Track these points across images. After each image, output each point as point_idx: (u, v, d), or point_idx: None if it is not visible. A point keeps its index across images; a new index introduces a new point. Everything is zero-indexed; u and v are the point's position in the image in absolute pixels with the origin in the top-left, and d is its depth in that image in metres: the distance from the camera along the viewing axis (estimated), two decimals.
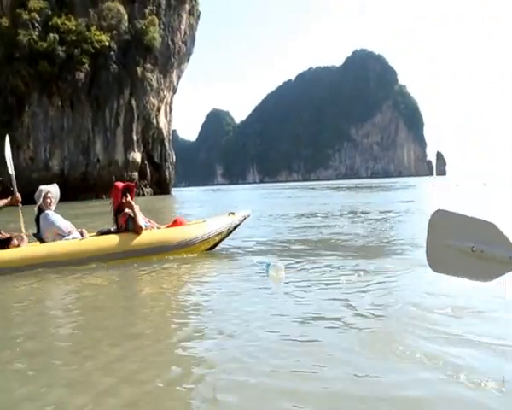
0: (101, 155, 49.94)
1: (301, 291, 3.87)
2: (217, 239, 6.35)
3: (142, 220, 5.79)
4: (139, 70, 51.72)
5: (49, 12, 47.60)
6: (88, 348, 2.73)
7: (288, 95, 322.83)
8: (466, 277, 2.05)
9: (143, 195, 49.51)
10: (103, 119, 50.17)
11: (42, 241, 5.63)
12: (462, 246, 1.98)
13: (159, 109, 56.19)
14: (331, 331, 2.81)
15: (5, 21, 45.73)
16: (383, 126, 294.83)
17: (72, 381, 2.29)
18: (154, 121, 55.55)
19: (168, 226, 6.23)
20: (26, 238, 5.53)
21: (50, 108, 47.28)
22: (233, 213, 6.62)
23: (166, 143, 58.56)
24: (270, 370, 2.27)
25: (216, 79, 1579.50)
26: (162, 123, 57.63)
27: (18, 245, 5.39)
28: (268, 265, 4.65)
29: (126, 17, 51.47)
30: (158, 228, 6.09)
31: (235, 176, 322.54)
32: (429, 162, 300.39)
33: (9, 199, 5.52)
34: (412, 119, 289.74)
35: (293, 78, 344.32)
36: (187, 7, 59.47)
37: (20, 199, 5.56)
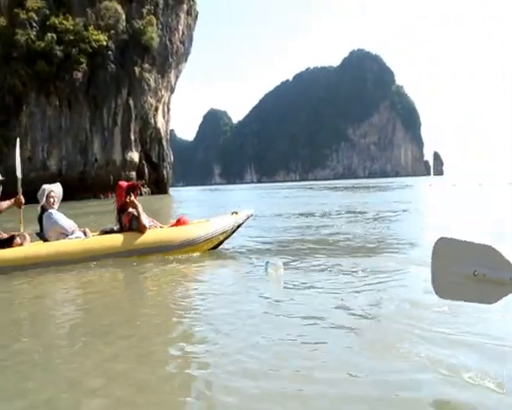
0: (99, 154, 49.91)
1: (300, 290, 3.89)
2: (221, 238, 6.34)
3: (145, 219, 5.80)
4: (137, 70, 51.71)
5: (47, 11, 47.57)
6: (87, 346, 2.75)
7: (285, 95, 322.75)
8: (471, 301, 2.14)
9: (141, 194, 49.34)
10: (101, 118, 50.14)
11: (45, 240, 5.62)
12: (464, 271, 2.06)
13: (156, 109, 56.18)
14: (330, 331, 2.81)
15: (3, 21, 45.66)
16: (380, 126, 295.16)
17: (68, 378, 2.31)
18: (152, 121, 55.54)
19: (172, 226, 6.23)
20: (28, 237, 5.51)
21: (48, 107, 47.23)
22: (236, 213, 6.63)
23: (164, 143, 58.54)
24: (267, 369, 2.27)
25: (214, 79, 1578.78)
26: (160, 123, 57.60)
27: (21, 244, 5.37)
28: (267, 263, 4.69)
29: (124, 17, 51.46)
30: (161, 227, 6.10)
31: (232, 176, 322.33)
32: (426, 162, 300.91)
33: (12, 201, 5.50)
34: (409, 119, 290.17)
35: (290, 78, 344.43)
36: (185, 7, 59.47)
37: (23, 201, 5.55)
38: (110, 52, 49.89)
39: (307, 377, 2.18)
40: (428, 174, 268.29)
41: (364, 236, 7.65)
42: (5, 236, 5.45)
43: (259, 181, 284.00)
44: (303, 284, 4.11)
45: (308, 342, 2.64)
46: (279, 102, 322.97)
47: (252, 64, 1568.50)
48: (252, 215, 7.07)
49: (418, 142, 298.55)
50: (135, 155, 52.97)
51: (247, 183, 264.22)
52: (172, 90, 60.70)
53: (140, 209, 5.80)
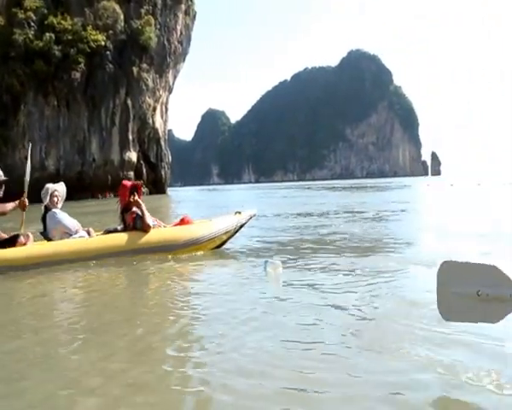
0: (97, 154, 49.87)
1: (298, 289, 3.91)
2: (224, 238, 6.37)
3: (149, 219, 5.82)
4: (135, 70, 51.69)
5: (45, 11, 47.49)
6: (85, 344, 2.77)
7: (283, 95, 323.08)
8: (476, 321, 2.15)
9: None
10: (99, 118, 50.10)
11: (48, 239, 5.60)
12: (468, 292, 2.09)
13: (154, 109, 56.15)
14: (328, 330, 2.82)
15: (1, 20, 45.52)
16: (378, 127, 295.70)
17: (65, 376, 2.34)
18: (150, 121, 55.51)
19: (175, 225, 6.26)
20: (31, 236, 5.50)
21: (46, 107, 47.16)
22: (239, 212, 6.67)
23: (162, 143, 58.52)
24: (264, 368, 2.28)
25: (212, 79, 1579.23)
26: (158, 123, 57.59)
27: (24, 243, 5.36)
28: (266, 262, 4.73)
29: (122, 17, 51.42)
30: (164, 227, 6.10)
31: (230, 176, 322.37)
32: (424, 162, 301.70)
33: (17, 203, 5.46)
34: (407, 119, 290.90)
35: (288, 78, 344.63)
36: (183, 7, 59.46)
37: (27, 204, 5.50)
38: (108, 52, 49.85)
39: (304, 376, 2.18)
40: (426, 174, 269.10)
41: (362, 235, 7.69)
42: (4, 236, 5.43)
43: (257, 181, 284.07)
44: (301, 283, 4.13)
45: (306, 341, 2.64)
46: (277, 102, 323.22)
47: (251, 64, 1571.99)
48: (255, 215, 7.11)
49: (416, 142, 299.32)
50: (133, 155, 52.94)
51: (244, 183, 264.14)
52: (170, 91, 60.68)
53: (144, 208, 5.81)
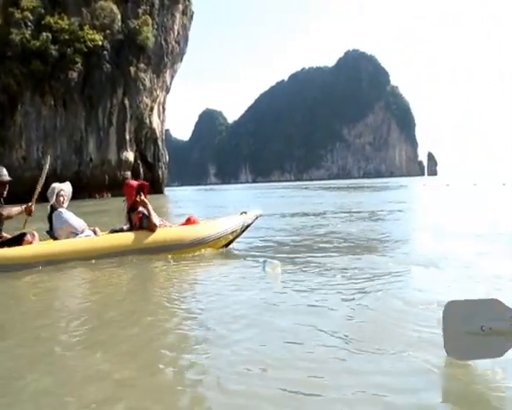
0: (94, 154, 49.80)
1: (296, 289, 3.94)
2: (230, 238, 6.39)
3: (156, 218, 5.84)
4: (132, 70, 51.64)
5: (42, 11, 47.38)
6: (87, 342, 2.82)
7: (280, 95, 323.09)
8: (482, 357, 2.19)
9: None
10: (96, 118, 50.03)
11: (54, 238, 5.63)
12: (473, 329, 2.13)
13: (152, 109, 56.11)
14: (325, 331, 2.81)
15: None
16: (375, 127, 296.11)
17: (65, 372, 2.39)
18: (147, 121, 55.47)
19: (181, 225, 6.27)
20: (37, 235, 5.52)
21: (43, 107, 47.06)
22: (245, 213, 6.70)
23: (159, 143, 58.48)
24: (261, 369, 2.29)
25: (210, 79, 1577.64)
26: (155, 123, 57.55)
27: (30, 242, 5.37)
28: (264, 262, 4.78)
29: (119, 17, 51.37)
30: (170, 226, 6.15)
31: (227, 176, 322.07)
32: (420, 163, 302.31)
33: (23, 208, 5.47)
34: (404, 119, 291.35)
35: (285, 78, 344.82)
36: (180, 7, 59.43)
37: (33, 210, 5.51)
38: (105, 52, 49.78)
39: (300, 377, 2.19)
40: (422, 174, 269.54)
41: (359, 235, 7.75)
42: (7, 236, 5.44)
43: (254, 181, 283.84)
44: (299, 283, 4.16)
45: (302, 342, 2.66)
46: (274, 102, 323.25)
47: (250, 64, 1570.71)
48: (260, 215, 7.15)
49: (412, 142, 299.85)
50: (130, 155, 52.90)
51: (242, 183, 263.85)
52: (168, 90, 60.66)
53: (150, 208, 5.83)
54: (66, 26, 47.55)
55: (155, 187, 55.13)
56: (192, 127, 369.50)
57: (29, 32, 45.85)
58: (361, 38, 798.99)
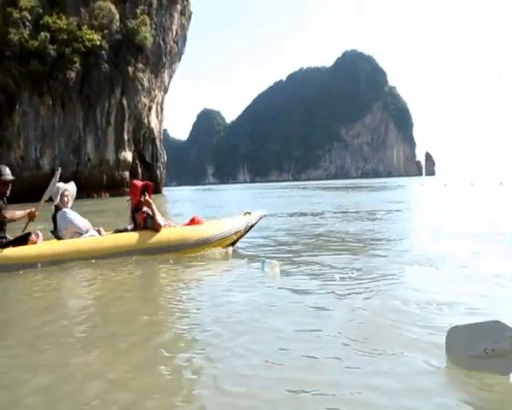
0: (92, 154, 49.77)
1: (294, 289, 3.96)
2: (234, 238, 6.41)
3: (160, 218, 5.85)
4: (130, 70, 51.62)
5: (40, 11, 47.33)
6: (86, 340, 2.87)
7: (278, 95, 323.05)
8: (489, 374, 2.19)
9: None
10: (94, 118, 50.00)
11: (59, 238, 5.63)
12: (476, 353, 2.14)
13: (150, 109, 56.10)
14: (323, 332, 2.82)
15: None
16: (373, 127, 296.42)
17: (64, 367, 2.43)
18: (146, 121, 55.45)
19: (185, 225, 6.28)
20: (41, 235, 5.53)
21: (41, 107, 47.01)
22: (249, 213, 6.74)
23: (158, 143, 58.48)
24: (259, 370, 2.29)
25: (208, 79, 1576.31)
26: (153, 122, 57.54)
27: (35, 242, 5.38)
28: (263, 262, 4.81)
29: (118, 17, 51.35)
30: (174, 226, 6.16)
31: (225, 176, 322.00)
32: (418, 163, 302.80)
33: (26, 213, 5.48)
34: (402, 119, 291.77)
35: (284, 78, 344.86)
36: (178, 7, 59.44)
37: (36, 216, 5.52)
38: (104, 52, 49.76)
39: (297, 378, 2.19)
40: (420, 174, 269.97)
41: (357, 235, 7.80)
42: (9, 237, 5.44)
43: (252, 181, 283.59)
44: (298, 282, 4.18)
45: (300, 343, 2.68)
46: (272, 102, 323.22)
47: (248, 64, 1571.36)
48: (264, 216, 7.20)
49: (410, 142, 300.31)
50: (128, 155, 52.89)
51: (240, 183, 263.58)
52: (166, 90, 60.65)
53: (154, 208, 5.84)
54: (65, 26, 47.50)
55: (154, 187, 55.12)
56: (190, 127, 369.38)
57: (27, 32, 45.80)
58: (359, 38, 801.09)
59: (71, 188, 5.96)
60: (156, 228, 5.76)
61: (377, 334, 2.75)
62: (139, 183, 6.10)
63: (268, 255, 5.69)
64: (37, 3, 47.36)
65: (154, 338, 2.88)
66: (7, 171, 5.47)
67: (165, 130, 71.12)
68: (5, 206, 5.39)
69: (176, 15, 59.19)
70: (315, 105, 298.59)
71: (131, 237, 5.68)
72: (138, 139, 55.04)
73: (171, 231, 5.92)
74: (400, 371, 2.23)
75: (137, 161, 54.81)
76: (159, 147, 58.55)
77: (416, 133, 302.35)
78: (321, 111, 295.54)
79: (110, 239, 5.67)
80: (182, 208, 20.53)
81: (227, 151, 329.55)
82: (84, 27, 48.55)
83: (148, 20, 53.10)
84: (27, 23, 46.19)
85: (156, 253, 5.60)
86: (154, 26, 54.85)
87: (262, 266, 4.75)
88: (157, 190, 54.60)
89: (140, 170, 54.55)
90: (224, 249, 6.18)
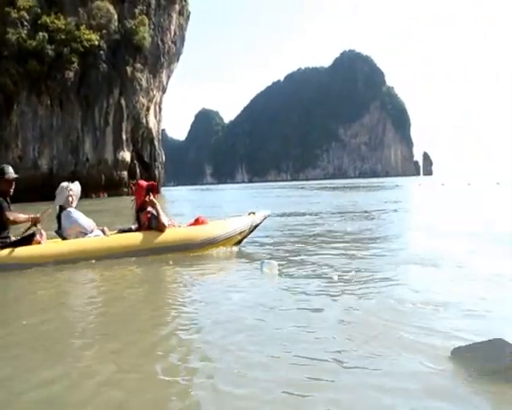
0: (91, 154, 49.71)
1: (294, 288, 4.00)
2: (239, 238, 6.43)
3: (165, 218, 5.86)
4: (129, 69, 51.57)
5: (39, 10, 47.22)
6: (88, 338, 2.90)
7: (276, 95, 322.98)
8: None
9: (133, 194, 49.33)
10: (92, 118, 49.94)
11: (63, 238, 5.64)
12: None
13: (148, 109, 56.06)
14: (321, 332, 2.83)
15: None
16: (371, 127, 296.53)
17: (64, 364, 2.47)
18: (144, 121, 55.42)
19: (190, 225, 6.27)
20: (44, 234, 5.53)
21: (39, 106, 46.94)
22: (253, 213, 6.76)
23: (156, 143, 58.44)
24: (260, 368, 2.31)
25: (206, 79, 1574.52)
26: (152, 122, 57.51)
27: (39, 242, 5.38)
28: (262, 262, 4.86)
29: (116, 17, 51.29)
30: (179, 226, 6.17)
31: (223, 176, 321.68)
32: (416, 162, 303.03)
33: (30, 217, 5.46)
34: (399, 119, 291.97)
35: (282, 78, 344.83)
36: (177, 7, 59.41)
37: (40, 221, 5.51)
38: (102, 52, 49.70)
39: (294, 379, 2.20)
40: (418, 174, 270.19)
41: (355, 235, 7.84)
42: (12, 238, 5.44)
43: (251, 181, 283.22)
44: (297, 283, 4.22)
45: (301, 336, 2.74)
46: (270, 102, 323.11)
47: (246, 64, 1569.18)
48: (269, 216, 7.24)
49: (408, 142, 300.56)
50: (126, 155, 52.84)
51: (238, 183, 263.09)
52: (164, 90, 60.61)
53: (159, 208, 5.85)
54: (63, 26, 47.42)
55: None
56: (188, 127, 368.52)
57: (25, 32, 45.70)
58: (357, 38, 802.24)
59: (75, 188, 5.96)
60: (161, 228, 5.76)
61: (376, 334, 2.76)
62: (144, 183, 6.12)
63: (267, 255, 5.73)
64: (36, 3, 47.28)
65: (151, 338, 2.90)
66: (10, 169, 5.47)
67: (163, 130, 71.07)
68: (8, 207, 5.40)
69: (174, 15, 59.17)
70: (313, 105, 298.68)
71: (136, 237, 5.68)
72: (136, 139, 55.01)
73: (176, 232, 5.92)
74: (400, 372, 2.24)
75: (136, 161, 54.77)
76: (157, 147, 58.52)
77: (414, 133, 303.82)
78: (319, 111, 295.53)
79: (115, 239, 5.67)
80: (180, 208, 20.54)
81: (225, 151, 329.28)
82: (83, 27, 48.46)
83: (146, 21, 53.06)
84: (25, 23, 46.10)
85: (161, 253, 5.59)
86: (152, 27, 54.81)
87: (261, 266, 4.79)
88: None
89: (138, 170, 54.53)
90: (229, 249, 6.20)
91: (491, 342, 2.21)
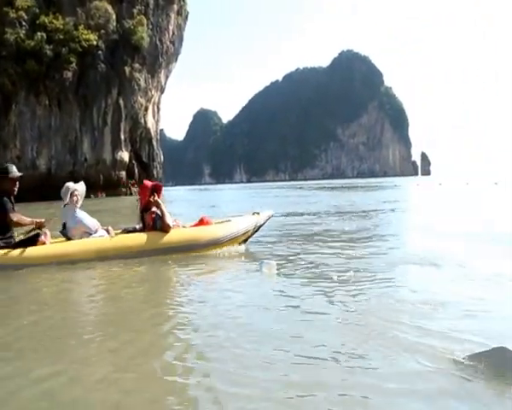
0: (89, 154, 49.65)
1: (292, 289, 4.01)
2: (243, 238, 6.44)
3: (170, 219, 5.86)
4: (127, 70, 51.54)
5: (37, 10, 47.15)
6: (90, 336, 2.93)
7: (275, 95, 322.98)
8: None
9: (131, 194, 49.37)
10: (91, 118, 49.89)
11: (68, 238, 5.65)
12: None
13: (146, 109, 56.02)
14: (320, 333, 2.84)
15: None
16: (369, 127, 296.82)
17: (64, 362, 2.49)
18: (142, 121, 55.38)
19: (194, 225, 6.25)
20: (49, 234, 5.54)
21: (38, 106, 46.88)
22: (258, 213, 6.78)
23: (154, 143, 58.40)
24: (260, 369, 2.31)
25: (204, 79, 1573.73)
26: (150, 123, 57.48)
27: (44, 243, 5.38)
28: (261, 263, 4.89)
29: (114, 17, 51.24)
30: (183, 227, 6.16)
31: (222, 176, 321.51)
32: (414, 162, 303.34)
33: (35, 221, 5.48)
34: (397, 119, 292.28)
35: (280, 78, 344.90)
36: (175, 7, 59.39)
37: (45, 226, 5.52)
38: (100, 52, 49.65)
39: (292, 379, 2.20)
40: (416, 174, 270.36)
41: (354, 235, 7.87)
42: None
43: (249, 181, 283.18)
44: (296, 283, 4.25)
45: (300, 335, 2.75)
46: (269, 102, 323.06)
47: (244, 64, 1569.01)
48: (272, 216, 7.25)
49: (406, 142, 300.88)
50: (125, 155, 52.79)
51: (236, 183, 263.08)
52: (162, 90, 60.58)
53: (164, 208, 5.84)
54: (61, 26, 47.37)
55: None
56: (186, 127, 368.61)
57: (24, 32, 45.64)
58: (355, 38, 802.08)
59: (80, 188, 5.95)
60: (165, 229, 5.76)
61: (375, 334, 2.77)
62: (149, 183, 6.12)
63: (266, 255, 5.76)
64: (34, 3, 47.20)
65: (149, 337, 2.91)
66: (14, 168, 5.48)
67: (161, 130, 71.01)
68: (12, 207, 5.39)
69: (172, 15, 59.15)
70: (311, 105, 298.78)
71: (141, 238, 5.68)
72: (135, 139, 54.97)
73: (181, 232, 5.91)
74: (399, 372, 2.25)
75: (134, 161, 54.71)
76: (155, 147, 58.49)
77: (412, 133, 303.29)
78: (317, 111, 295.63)
79: (120, 240, 5.66)
80: (179, 208, 20.55)
81: (223, 151, 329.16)
82: (81, 27, 48.41)
83: (144, 21, 53.03)
84: (24, 23, 46.03)
85: (165, 253, 5.59)
86: (150, 27, 54.79)
87: (260, 266, 4.82)
88: None
89: (137, 170, 54.49)
90: (231, 249, 6.20)
91: (493, 351, 2.22)
